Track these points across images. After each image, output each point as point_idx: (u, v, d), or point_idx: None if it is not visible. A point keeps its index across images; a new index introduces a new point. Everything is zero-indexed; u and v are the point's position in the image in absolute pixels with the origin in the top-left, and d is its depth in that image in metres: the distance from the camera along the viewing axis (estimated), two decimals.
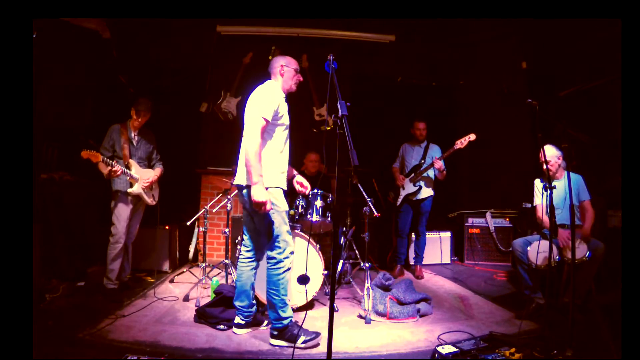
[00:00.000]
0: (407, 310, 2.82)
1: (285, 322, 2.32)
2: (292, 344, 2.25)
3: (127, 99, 3.40)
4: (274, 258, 2.35)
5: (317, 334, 2.34)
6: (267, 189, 2.28)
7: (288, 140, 2.45)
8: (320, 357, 2.20)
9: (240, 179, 2.37)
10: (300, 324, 2.36)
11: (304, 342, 2.29)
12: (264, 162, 2.30)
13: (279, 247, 2.34)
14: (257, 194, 2.19)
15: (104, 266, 3.19)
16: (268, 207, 2.23)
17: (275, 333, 2.33)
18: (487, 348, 2.12)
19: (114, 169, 2.99)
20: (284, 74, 2.45)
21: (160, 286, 3.53)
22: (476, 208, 4.88)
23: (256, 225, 2.44)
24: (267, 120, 2.26)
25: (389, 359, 2.23)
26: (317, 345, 2.31)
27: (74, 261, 3.54)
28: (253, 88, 2.44)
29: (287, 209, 2.40)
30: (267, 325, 2.52)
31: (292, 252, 2.40)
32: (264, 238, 2.44)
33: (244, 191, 2.34)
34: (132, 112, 3.23)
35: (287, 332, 2.31)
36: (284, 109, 2.38)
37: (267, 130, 2.32)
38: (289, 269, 2.39)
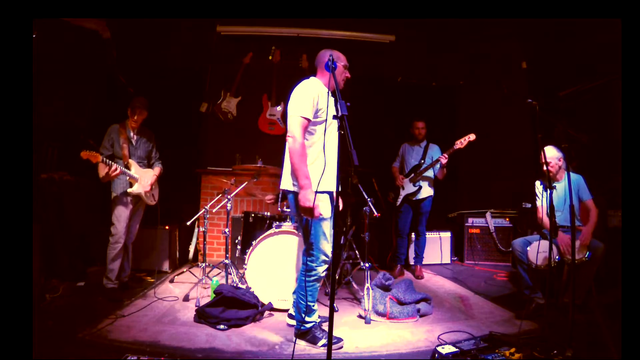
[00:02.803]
0: (407, 310, 2.82)
1: (308, 325, 2.34)
2: (313, 345, 2.30)
3: (127, 99, 3.40)
4: (306, 264, 2.32)
5: (340, 339, 2.34)
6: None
7: (335, 137, 2.28)
8: (320, 357, 2.20)
9: (285, 183, 2.33)
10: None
11: (325, 345, 2.26)
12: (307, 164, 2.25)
13: (313, 255, 2.29)
14: (304, 199, 2.11)
15: (104, 266, 3.19)
16: (316, 213, 2.14)
17: (299, 333, 2.37)
18: (487, 348, 2.12)
19: (112, 168, 2.96)
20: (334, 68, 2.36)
21: (160, 286, 3.53)
22: (476, 208, 4.88)
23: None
24: (307, 119, 2.20)
25: (389, 359, 2.23)
26: (340, 348, 2.30)
27: (74, 261, 3.54)
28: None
29: (328, 215, 2.27)
30: (323, 345, 2.34)
31: (325, 263, 2.31)
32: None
33: (290, 196, 2.32)
34: (128, 112, 3.23)
35: (310, 334, 2.34)
36: (323, 103, 2.25)
37: (308, 130, 2.25)
38: (320, 278, 2.35)
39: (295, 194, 2.24)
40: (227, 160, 4.79)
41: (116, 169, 2.99)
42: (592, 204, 2.94)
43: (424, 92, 5.17)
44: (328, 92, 2.34)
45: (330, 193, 2.31)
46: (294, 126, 2.18)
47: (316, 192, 2.11)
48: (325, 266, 2.33)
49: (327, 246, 2.29)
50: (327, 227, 2.28)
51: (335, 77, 1.99)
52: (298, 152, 2.15)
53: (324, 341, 2.30)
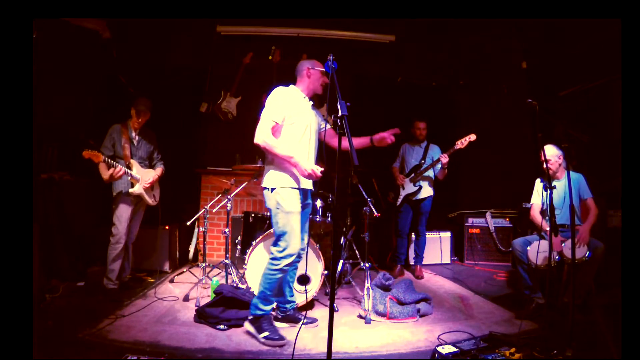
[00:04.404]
0: (407, 310, 2.82)
1: (260, 313, 2.42)
2: (256, 335, 2.38)
3: (127, 99, 3.40)
4: (272, 254, 2.44)
5: (282, 338, 2.36)
6: (273, 189, 2.39)
7: (305, 138, 2.47)
8: (320, 357, 2.20)
9: (262, 180, 2.49)
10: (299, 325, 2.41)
11: (265, 337, 2.35)
12: (272, 162, 2.43)
13: (279, 246, 2.40)
14: (301, 171, 2.32)
15: (104, 266, 3.19)
16: (315, 175, 2.31)
17: (250, 318, 2.46)
18: (487, 348, 2.12)
19: (116, 169, 2.99)
20: (310, 75, 2.53)
21: (161, 286, 3.53)
22: (476, 208, 4.88)
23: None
24: (275, 122, 2.37)
25: (389, 359, 2.23)
26: (281, 346, 2.32)
27: (74, 261, 3.54)
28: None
29: (296, 210, 2.40)
30: (304, 324, 2.56)
31: (292, 255, 2.39)
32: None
33: (265, 192, 2.46)
34: (132, 112, 3.22)
35: (258, 322, 2.41)
36: (296, 109, 2.43)
37: (277, 131, 2.41)
38: (284, 270, 2.41)
39: (267, 189, 2.43)
40: (227, 160, 4.79)
41: (120, 170, 3.01)
42: (592, 203, 2.93)
43: (424, 92, 5.17)
44: (307, 97, 2.52)
45: (300, 190, 2.44)
46: (262, 129, 2.34)
47: (273, 188, 2.35)
48: (290, 260, 2.40)
49: (294, 239, 2.39)
50: (296, 221, 2.40)
51: (335, 76, 1.99)
52: (275, 148, 2.32)
53: (266, 334, 2.36)
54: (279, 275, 2.41)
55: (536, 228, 3.14)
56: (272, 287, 2.41)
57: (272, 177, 2.42)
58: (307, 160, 2.45)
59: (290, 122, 2.42)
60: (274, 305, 2.50)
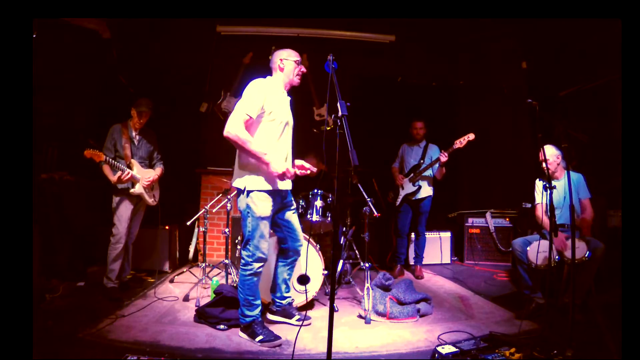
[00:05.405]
0: (407, 310, 2.82)
1: (248, 319, 2.41)
2: (251, 339, 2.36)
3: (127, 99, 3.40)
4: (243, 259, 2.42)
5: (278, 337, 2.36)
6: (249, 192, 2.32)
7: (284, 137, 2.42)
8: (320, 357, 2.20)
9: (235, 181, 2.42)
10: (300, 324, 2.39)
11: (261, 340, 2.34)
12: (246, 163, 2.34)
13: (248, 251, 2.39)
14: (274, 170, 2.27)
15: (104, 266, 3.19)
16: (289, 174, 2.31)
17: (241, 326, 2.45)
18: (487, 348, 2.12)
19: (124, 173, 3.00)
20: (283, 67, 2.43)
21: (161, 286, 3.53)
22: (476, 208, 4.88)
23: None
24: (250, 116, 2.25)
25: (389, 359, 2.23)
26: (278, 345, 2.32)
27: (74, 261, 3.54)
28: None
29: (266, 214, 2.36)
30: (298, 320, 2.60)
31: (261, 260, 2.39)
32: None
33: (237, 192, 2.41)
34: (133, 113, 3.21)
35: (250, 328, 2.40)
36: (276, 103, 2.34)
37: (251, 127, 2.31)
38: (258, 273, 2.41)
39: (240, 190, 2.35)
40: (227, 160, 4.75)
41: (128, 174, 3.03)
42: (589, 203, 2.93)
43: (424, 92, 5.17)
44: (285, 92, 2.46)
45: (272, 192, 2.37)
46: (234, 122, 2.22)
47: (250, 191, 2.30)
48: (261, 263, 2.41)
49: (263, 244, 2.38)
50: (265, 226, 2.38)
51: (335, 76, 1.99)
52: (247, 143, 2.22)
53: (261, 337, 2.34)
54: (255, 279, 2.41)
55: (538, 228, 3.14)
56: (252, 292, 2.40)
57: (245, 179, 2.33)
58: (284, 161, 2.38)
59: (271, 118, 2.31)
60: (261, 307, 2.48)
